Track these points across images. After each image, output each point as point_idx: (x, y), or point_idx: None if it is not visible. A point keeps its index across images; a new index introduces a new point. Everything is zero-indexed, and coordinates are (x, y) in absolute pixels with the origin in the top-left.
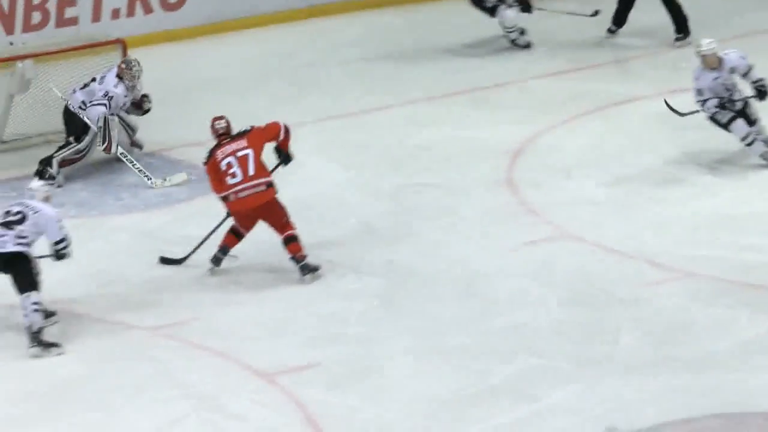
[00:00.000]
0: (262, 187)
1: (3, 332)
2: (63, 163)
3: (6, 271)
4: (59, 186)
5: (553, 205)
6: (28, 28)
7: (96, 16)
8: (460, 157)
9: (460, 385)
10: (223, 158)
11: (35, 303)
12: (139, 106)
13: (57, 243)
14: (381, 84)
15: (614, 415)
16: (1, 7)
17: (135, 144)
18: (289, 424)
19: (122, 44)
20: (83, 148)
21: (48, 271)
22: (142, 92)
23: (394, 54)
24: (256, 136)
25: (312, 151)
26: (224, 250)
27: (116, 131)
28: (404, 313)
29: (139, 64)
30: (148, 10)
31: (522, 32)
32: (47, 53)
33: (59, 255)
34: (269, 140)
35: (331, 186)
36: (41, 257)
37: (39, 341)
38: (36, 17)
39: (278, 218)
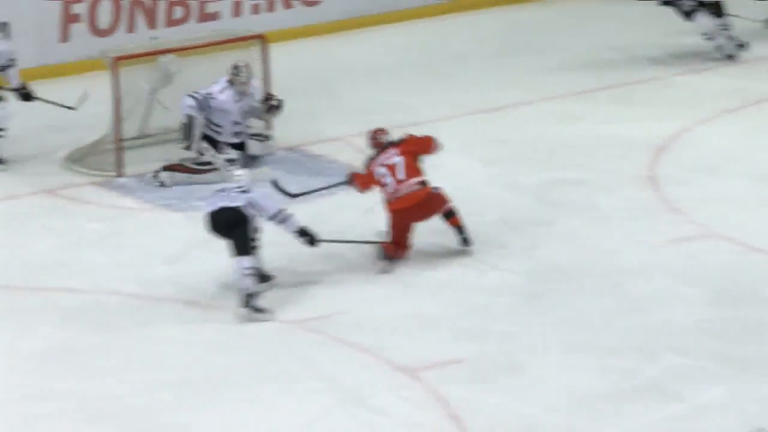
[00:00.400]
0: (416, 186)
1: (156, 322)
2: (176, 167)
3: (228, 232)
4: (161, 184)
5: (698, 202)
6: (170, 23)
7: (237, 12)
8: (603, 153)
9: (604, 382)
10: (377, 167)
11: (248, 267)
12: (267, 109)
13: (276, 215)
14: (523, 79)
15: (762, 416)
16: (144, 2)
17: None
18: (433, 420)
19: (262, 39)
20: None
21: (198, 262)
22: (265, 93)
23: (535, 49)
24: (409, 145)
25: (454, 147)
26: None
27: (199, 131)
28: (547, 309)
29: (248, 68)
30: (288, 5)
31: (730, 38)
32: (188, 48)
33: (282, 221)
34: (420, 153)
35: (473, 181)
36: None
37: (249, 304)
38: (178, 12)
39: (434, 215)
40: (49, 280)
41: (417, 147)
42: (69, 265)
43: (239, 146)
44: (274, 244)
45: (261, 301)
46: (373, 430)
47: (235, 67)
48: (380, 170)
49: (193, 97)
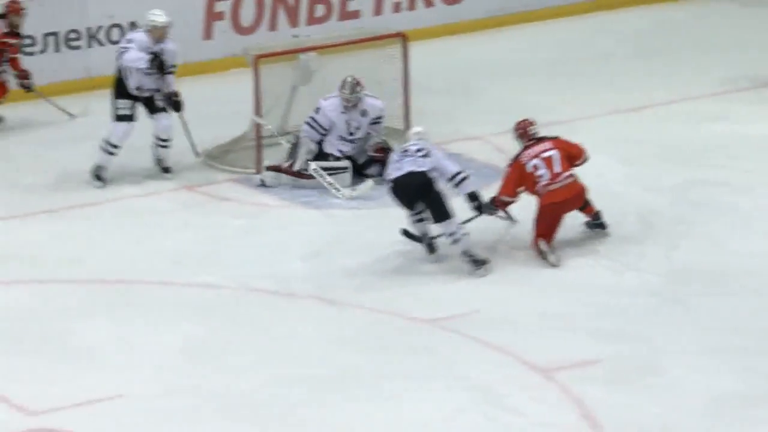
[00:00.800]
0: (570, 179)
1: (291, 319)
2: (281, 169)
3: (417, 197)
4: (262, 183)
5: None
6: (311, 21)
7: (378, 10)
8: (745, 153)
9: (744, 386)
10: (528, 160)
11: (456, 228)
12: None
13: (455, 176)
14: (663, 79)
15: None
16: (287, 1)
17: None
18: (566, 420)
19: (403, 37)
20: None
21: (334, 260)
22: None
23: (677, 48)
24: (562, 143)
25: (593, 146)
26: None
27: (305, 149)
28: (685, 310)
29: (354, 85)
30: (429, 3)
31: None
32: (329, 46)
33: (458, 183)
34: (572, 155)
35: (612, 181)
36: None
37: (472, 259)
38: (319, 10)
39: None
40: (187, 275)
41: (570, 148)
42: (207, 260)
43: (348, 158)
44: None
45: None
46: (505, 430)
47: (342, 82)
48: (535, 162)
49: (308, 123)
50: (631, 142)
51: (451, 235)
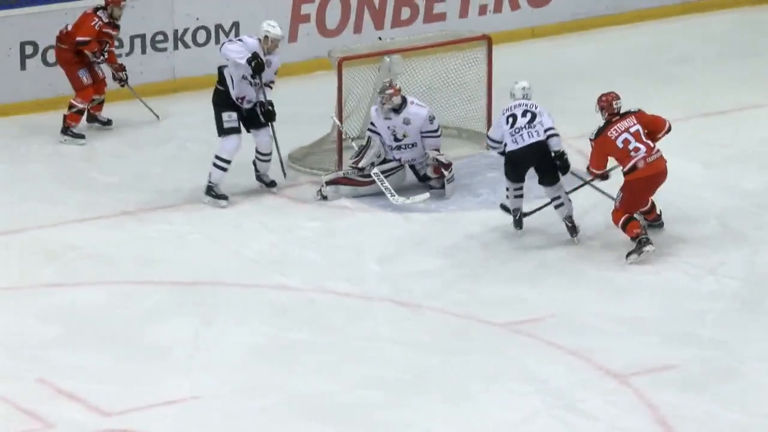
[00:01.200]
0: (660, 153)
1: (366, 320)
2: (340, 181)
3: (533, 163)
4: (324, 197)
5: None
6: (397, 23)
7: (464, 12)
8: None
9: None
10: (617, 136)
11: (561, 194)
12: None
13: (547, 130)
14: (748, 82)
15: None
16: (372, 3)
17: None
18: (640, 425)
19: (488, 40)
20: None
21: (410, 263)
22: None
23: (763, 51)
24: (645, 116)
25: (675, 149)
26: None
27: (374, 151)
28: (764, 315)
29: (389, 93)
30: (515, 6)
31: None
32: (413, 48)
33: (551, 140)
34: (653, 129)
35: (692, 185)
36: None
37: (572, 225)
38: (405, 13)
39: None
40: (264, 277)
41: (653, 120)
42: (284, 262)
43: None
44: (492, 247)
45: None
46: None
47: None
48: (625, 136)
49: (369, 129)
50: (713, 146)
51: (556, 199)
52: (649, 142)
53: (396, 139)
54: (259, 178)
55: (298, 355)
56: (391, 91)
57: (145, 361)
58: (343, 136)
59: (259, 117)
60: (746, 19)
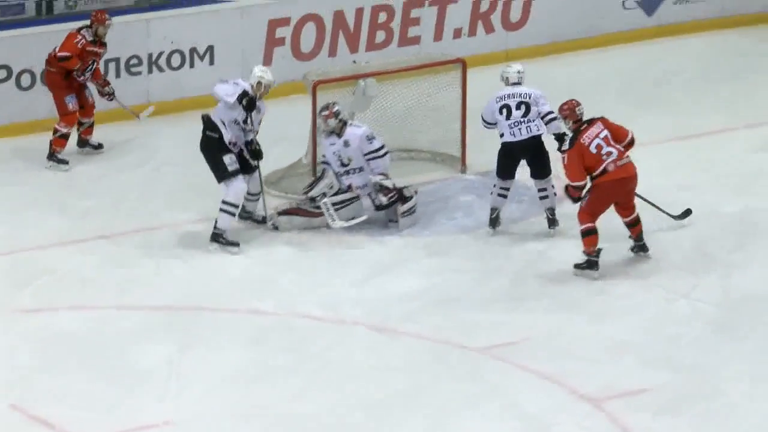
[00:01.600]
0: (629, 159)
1: (343, 345)
2: (293, 211)
3: (526, 155)
4: (275, 228)
5: None
6: (372, 47)
7: (438, 36)
8: None
9: None
10: (590, 142)
11: (548, 187)
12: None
13: (546, 115)
14: (724, 105)
15: None
16: (347, 26)
17: None
18: None
19: (462, 63)
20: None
21: (385, 286)
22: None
23: (739, 75)
24: (609, 123)
25: (652, 171)
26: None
27: (326, 182)
28: (739, 338)
29: (328, 116)
30: (489, 29)
31: None
32: (388, 72)
33: (550, 124)
34: (620, 135)
35: (669, 207)
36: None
37: (552, 218)
38: (380, 36)
39: (632, 197)
40: (241, 301)
41: (618, 128)
42: (261, 287)
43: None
44: (468, 270)
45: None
46: None
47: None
48: (597, 142)
49: (323, 162)
50: (688, 168)
51: (542, 191)
52: (619, 146)
53: (343, 165)
54: (246, 217)
55: (275, 380)
56: (326, 112)
57: (121, 386)
58: (318, 160)
59: (247, 161)
60: (722, 42)
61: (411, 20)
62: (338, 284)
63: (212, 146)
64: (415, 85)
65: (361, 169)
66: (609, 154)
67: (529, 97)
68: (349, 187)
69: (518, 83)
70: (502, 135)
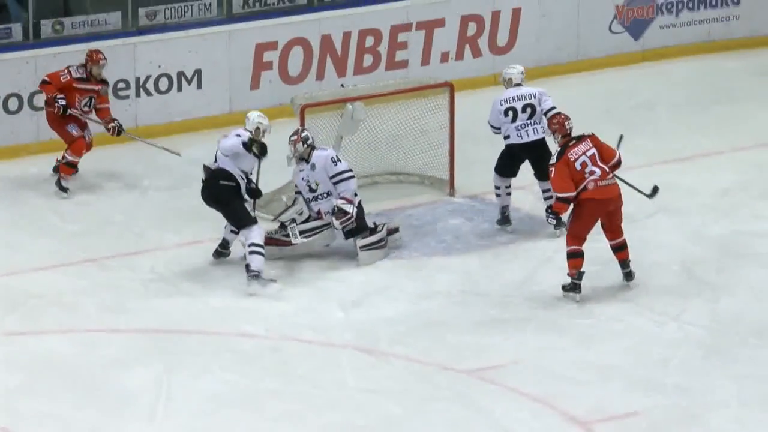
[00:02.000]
0: (614, 180)
1: (332, 368)
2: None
3: (530, 157)
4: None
5: None
6: (359, 70)
7: (426, 60)
8: None
9: None
10: (576, 158)
11: (550, 187)
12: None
13: (551, 110)
14: (711, 129)
15: None
16: (335, 50)
17: None
18: None
19: (450, 87)
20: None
21: (375, 309)
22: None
23: (724, 100)
24: (598, 141)
25: (636, 194)
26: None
27: (295, 209)
28: (727, 362)
29: (298, 140)
30: (477, 53)
31: None
32: (376, 95)
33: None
34: (607, 155)
35: (656, 231)
36: None
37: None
38: (367, 60)
39: (619, 218)
40: (228, 324)
41: (606, 148)
42: (248, 309)
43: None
44: (456, 293)
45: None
46: None
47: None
48: (582, 159)
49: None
50: (675, 191)
51: (547, 191)
52: (604, 166)
53: (311, 190)
54: (221, 252)
55: (262, 403)
56: (294, 137)
57: (108, 409)
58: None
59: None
60: (708, 67)
61: (398, 44)
62: (327, 307)
63: (230, 195)
64: (403, 109)
65: (329, 194)
66: (592, 173)
67: (534, 97)
68: (319, 213)
69: (520, 84)
70: (507, 137)
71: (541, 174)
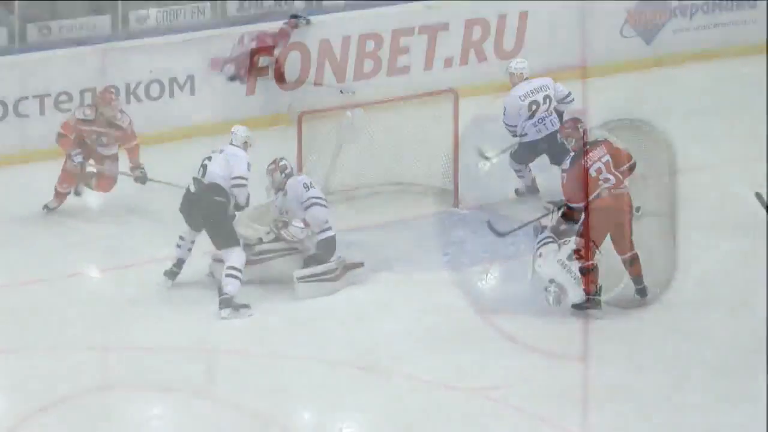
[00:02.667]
0: (626, 190)
1: (330, 387)
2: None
3: (553, 149)
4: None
5: None
6: (359, 76)
7: (428, 65)
8: None
9: None
10: (591, 164)
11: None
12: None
13: (567, 95)
14: (718, 139)
15: None
16: (334, 55)
17: None
18: None
19: (454, 94)
20: None
21: (375, 326)
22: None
23: (740, 106)
24: (612, 147)
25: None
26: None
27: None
28: (743, 378)
29: (277, 168)
30: (481, 58)
31: None
32: (377, 102)
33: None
34: (621, 159)
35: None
36: None
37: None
38: (368, 65)
39: (630, 230)
40: (225, 342)
41: (617, 152)
42: (245, 327)
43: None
44: (461, 309)
45: None
46: None
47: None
48: (597, 165)
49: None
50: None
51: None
52: (618, 174)
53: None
54: (175, 271)
55: (261, 424)
56: (272, 166)
57: (102, 429)
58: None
59: None
60: (723, 71)
61: (400, 49)
62: (327, 324)
63: (220, 212)
64: (404, 116)
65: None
66: (607, 180)
67: (549, 88)
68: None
69: (528, 77)
70: (524, 135)
71: (558, 160)
